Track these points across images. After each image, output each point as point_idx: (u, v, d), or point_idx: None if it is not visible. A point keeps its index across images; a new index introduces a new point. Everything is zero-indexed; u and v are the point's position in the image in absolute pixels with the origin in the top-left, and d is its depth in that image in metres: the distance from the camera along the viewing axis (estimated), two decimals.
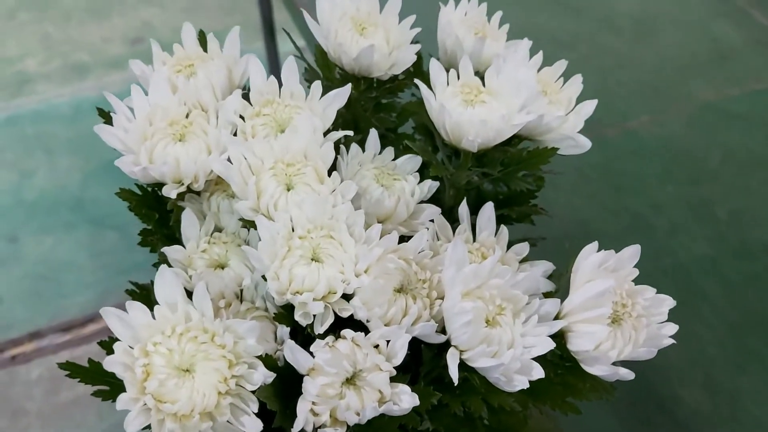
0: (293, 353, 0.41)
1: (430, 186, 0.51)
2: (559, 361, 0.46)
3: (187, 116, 0.49)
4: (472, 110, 0.48)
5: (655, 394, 0.75)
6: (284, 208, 0.44)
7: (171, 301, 0.41)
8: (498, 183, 0.55)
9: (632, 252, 0.45)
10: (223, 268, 0.48)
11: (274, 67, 1.20)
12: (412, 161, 0.51)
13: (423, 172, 0.52)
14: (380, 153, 0.51)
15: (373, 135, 0.51)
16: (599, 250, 0.45)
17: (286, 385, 0.43)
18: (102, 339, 0.45)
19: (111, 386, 0.43)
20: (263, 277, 0.43)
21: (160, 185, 0.48)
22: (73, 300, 0.94)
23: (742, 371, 0.78)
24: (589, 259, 0.44)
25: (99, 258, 1.00)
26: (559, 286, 0.47)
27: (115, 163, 0.46)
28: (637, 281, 0.46)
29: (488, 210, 0.50)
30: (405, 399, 0.41)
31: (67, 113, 1.18)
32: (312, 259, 0.43)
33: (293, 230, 0.43)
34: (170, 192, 0.47)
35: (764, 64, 1.15)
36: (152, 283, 0.43)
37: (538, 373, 0.42)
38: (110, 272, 0.98)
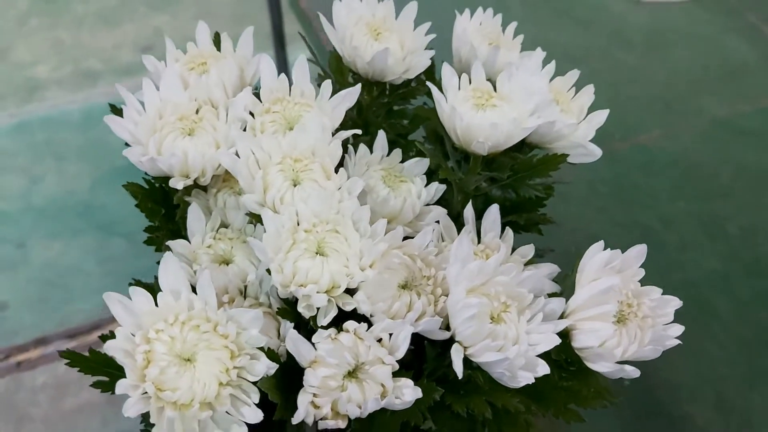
0: (296, 344, 0.41)
1: (437, 189, 0.51)
2: (565, 364, 0.46)
3: (197, 112, 0.49)
4: (483, 114, 0.48)
5: (665, 412, 0.74)
6: (290, 203, 0.44)
7: (174, 289, 0.41)
8: (507, 189, 0.55)
9: (638, 252, 0.44)
10: (227, 263, 0.48)
11: None
12: (419, 164, 0.51)
13: (431, 179, 0.51)
14: (388, 155, 0.51)
15: (381, 136, 0.51)
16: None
17: (288, 378, 0.42)
18: None
19: (111, 377, 0.42)
20: (267, 270, 0.43)
21: (167, 180, 0.48)
22: (79, 306, 0.94)
23: (753, 389, 0.77)
24: (595, 258, 0.44)
25: (106, 264, 0.99)
26: (565, 288, 0.47)
27: (124, 153, 0.46)
28: None
29: (493, 212, 0.50)
30: (407, 392, 0.41)
31: (77, 120, 1.18)
32: (317, 253, 0.43)
33: (298, 224, 0.43)
34: (177, 183, 0.47)
35: None
36: (156, 279, 0.43)
37: (543, 369, 0.41)
38: (117, 279, 0.97)
